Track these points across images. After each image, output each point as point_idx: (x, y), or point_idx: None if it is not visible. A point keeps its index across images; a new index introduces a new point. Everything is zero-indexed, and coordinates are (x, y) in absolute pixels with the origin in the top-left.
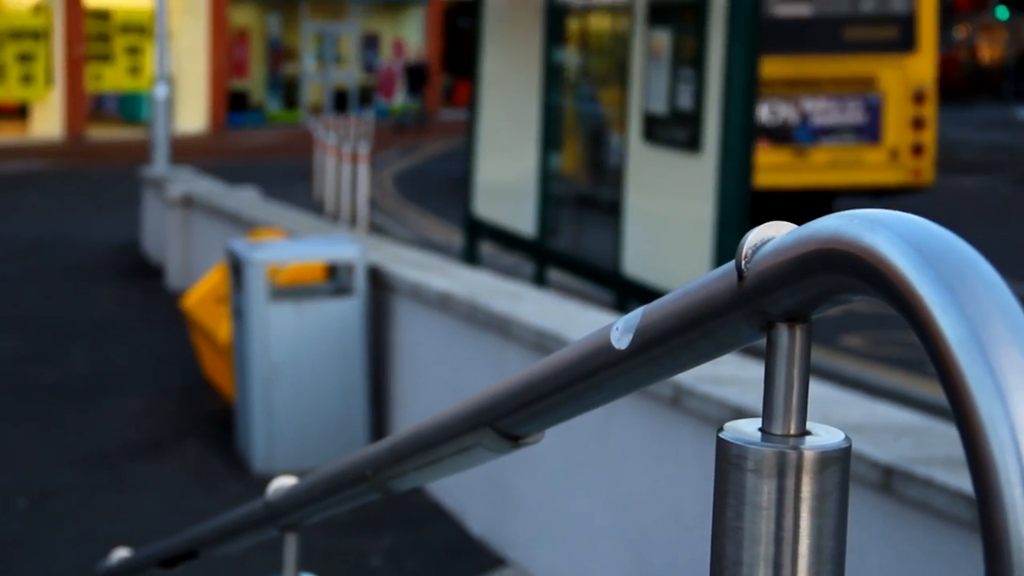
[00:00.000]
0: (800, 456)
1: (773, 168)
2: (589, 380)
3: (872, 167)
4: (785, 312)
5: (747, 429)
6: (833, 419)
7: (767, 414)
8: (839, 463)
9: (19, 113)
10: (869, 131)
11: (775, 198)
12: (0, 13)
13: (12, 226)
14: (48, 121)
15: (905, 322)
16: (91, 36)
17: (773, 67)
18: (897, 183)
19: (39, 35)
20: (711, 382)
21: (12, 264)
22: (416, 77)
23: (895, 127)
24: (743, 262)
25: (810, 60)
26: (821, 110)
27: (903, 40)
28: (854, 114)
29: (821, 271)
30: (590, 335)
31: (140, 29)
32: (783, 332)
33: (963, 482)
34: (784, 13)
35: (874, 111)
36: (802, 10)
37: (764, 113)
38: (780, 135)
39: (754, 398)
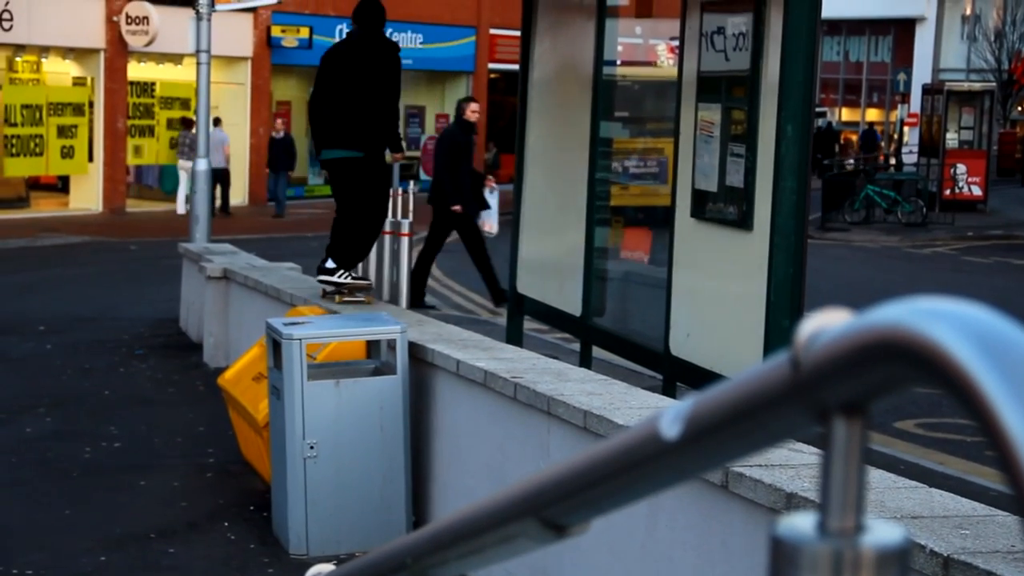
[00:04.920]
0: (857, 554)
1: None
2: (637, 471)
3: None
4: (842, 403)
5: (801, 525)
6: (889, 508)
7: (823, 509)
8: (898, 562)
9: (59, 187)
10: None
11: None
12: (41, 86)
13: (50, 300)
14: (88, 195)
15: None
16: (133, 109)
17: None
18: None
19: (80, 108)
20: (762, 466)
21: (50, 339)
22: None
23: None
24: (799, 352)
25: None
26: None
27: None
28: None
29: (881, 362)
30: (638, 424)
31: (181, 102)
32: (840, 424)
33: None
34: None
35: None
36: None
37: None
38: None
39: (807, 484)
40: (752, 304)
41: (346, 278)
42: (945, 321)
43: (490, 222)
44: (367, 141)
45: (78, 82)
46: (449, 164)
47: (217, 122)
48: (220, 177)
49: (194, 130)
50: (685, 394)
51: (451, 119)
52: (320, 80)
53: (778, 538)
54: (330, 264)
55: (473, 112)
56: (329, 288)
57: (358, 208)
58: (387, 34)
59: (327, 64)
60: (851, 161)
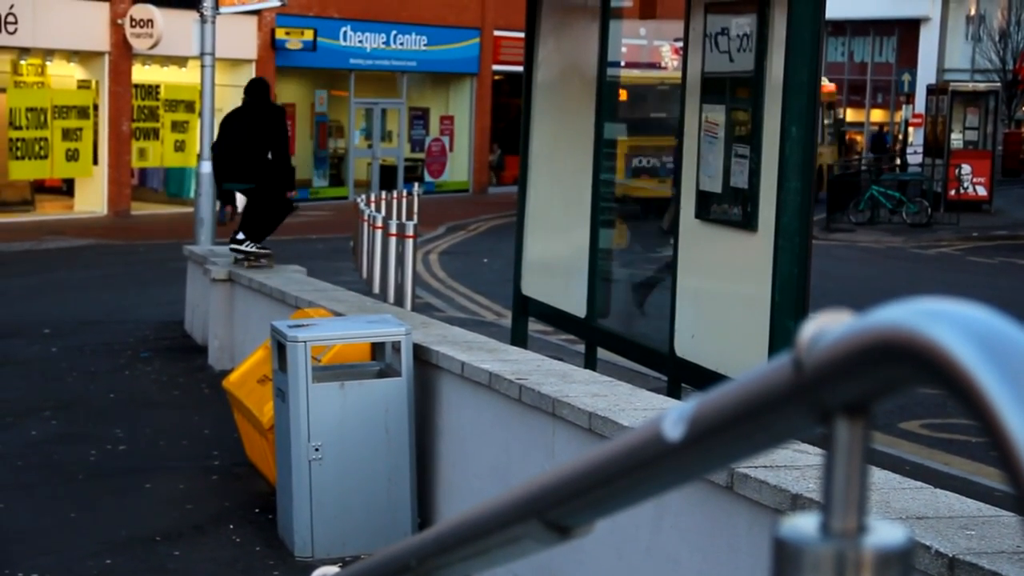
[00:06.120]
0: (860, 555)
1: None
2: (640, 472)
3: None
4: (845, 404)
5: (804, 526)
6: (894, 508)
7: (825, 510)
8: (900, 562)
9: (64, 190)
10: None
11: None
12: (46, 89)
13: (55, 303)
14: (92, 198)
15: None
16: (137, 112)
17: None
18: None
19: (85, 111)
20: (767, 467)
21: (55, 342)
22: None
23: None
24: (802, 353)
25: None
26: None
27: None
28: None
29: (883, 363)
30: (641, 425)
31: (186, 104)
32: (843, 425)
33: None
34: None
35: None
36: None
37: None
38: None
39: (812, 485)
40: (757, 305)
41: (252, 247)
42: (946, 322)
43: None
44: (259, 175)
45: (83, 85)
46: None
47: None
48: None
49: None
50: (690, 395)
51: None
52: (221, 133)
53: (781, 539)
54: (240, 236)
55: None
56: (239, 256)
57: (264, 204)
58: (275, 99)
59: (227, 123)
60: (859, 157)
